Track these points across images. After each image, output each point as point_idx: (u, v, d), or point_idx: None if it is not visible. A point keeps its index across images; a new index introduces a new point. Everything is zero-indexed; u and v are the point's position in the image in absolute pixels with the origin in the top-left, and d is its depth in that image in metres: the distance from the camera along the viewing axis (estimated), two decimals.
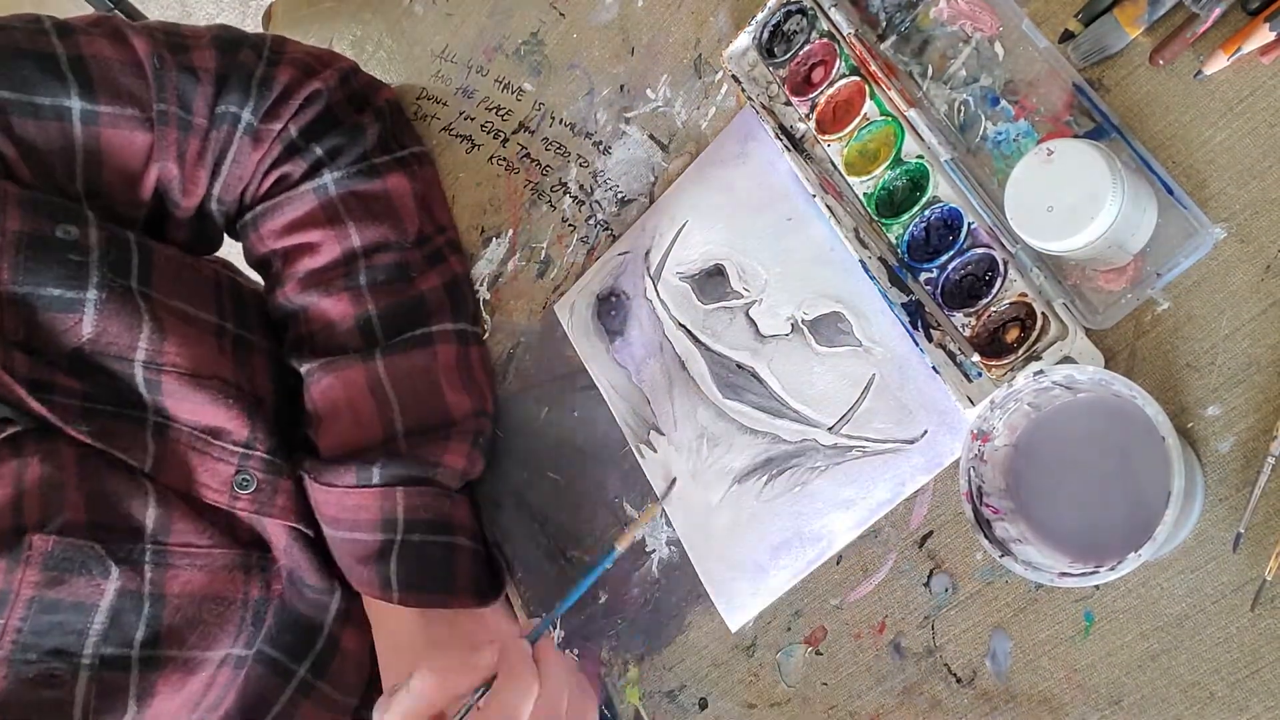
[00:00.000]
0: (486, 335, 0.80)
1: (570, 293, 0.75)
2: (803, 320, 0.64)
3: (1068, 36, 0.54)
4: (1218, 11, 0.49)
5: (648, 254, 0.71)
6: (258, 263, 0.78)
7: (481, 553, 0.75)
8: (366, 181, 0.77)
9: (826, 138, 0.61)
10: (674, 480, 0.68)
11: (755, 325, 0.65)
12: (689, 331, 0.68)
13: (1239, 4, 0.50)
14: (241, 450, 0.69)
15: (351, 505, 0.70)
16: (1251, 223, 0.50)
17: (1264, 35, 0.48)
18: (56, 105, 0.65)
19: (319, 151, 0.75)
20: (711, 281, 0.68)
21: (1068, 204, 0.47)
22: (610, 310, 0.73)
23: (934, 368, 0.56)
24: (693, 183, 0.69)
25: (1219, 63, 0.50)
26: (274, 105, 0.74)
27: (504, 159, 0.81)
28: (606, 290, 0.73)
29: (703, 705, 0.67)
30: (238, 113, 0.72)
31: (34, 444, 0.60)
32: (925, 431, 0.59)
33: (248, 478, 0.69)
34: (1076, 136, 0.53)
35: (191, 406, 0.67)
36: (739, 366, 0.66)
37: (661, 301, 0.70)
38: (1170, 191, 0.50)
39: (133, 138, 0.68)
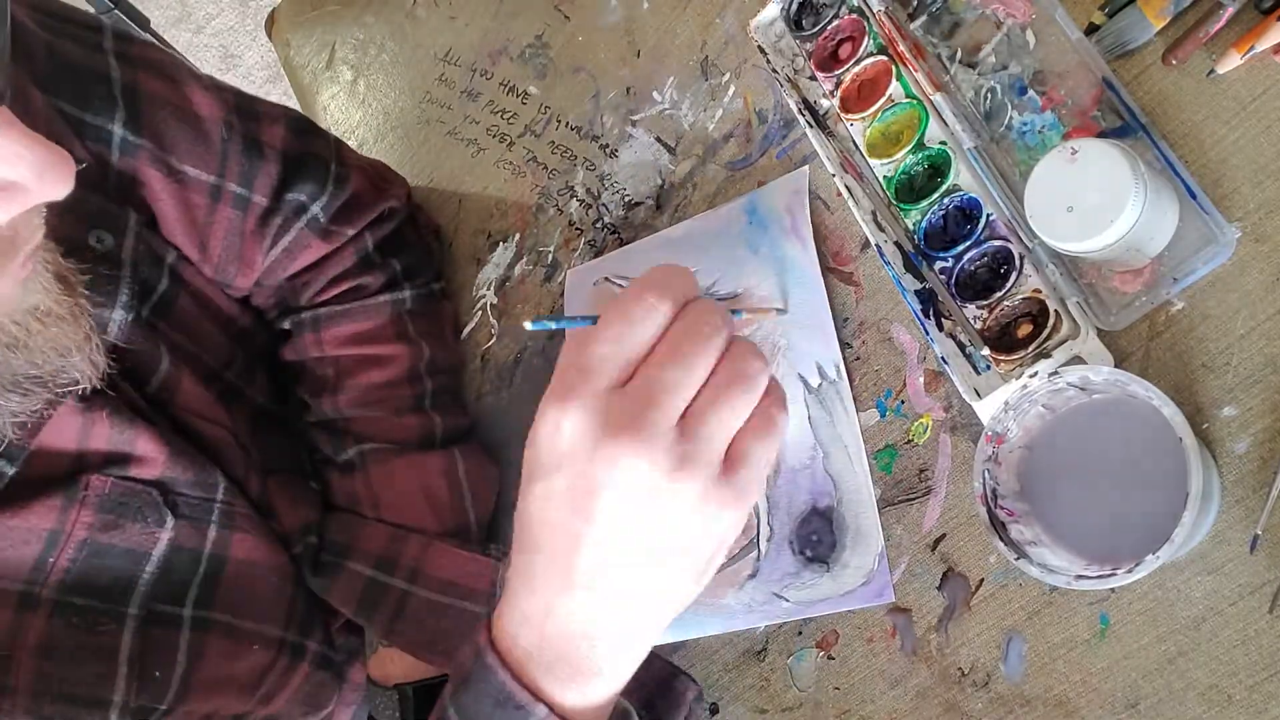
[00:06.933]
0: (494, 339, 0.80)
1: (581, 269, 0.75)
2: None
3: (1092, 29, 0.53)
4: (1233, 8, 0.49)
5: None
6: (298, 363, 0.74)
7: None
8: (434, 303, 0.78)
9: (850, 116, 0.60)
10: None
11: None
12: None
13: (1252, 3, 0.49)
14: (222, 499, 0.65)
15: (472, 572, 0.69)
16: (1266, 222, 0.50)
17: (1277, 33, 0.48)
18: (99, 126, 0.61)
19: (397, 267, 0.75)
20: None
21: (1088, 205, 0.47)
22: None
23: (942, 358, 0.56)
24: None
25: (1232, 61, 0.50)
26: (346, 208, 0.72)
27: (510, 163, 0.81)
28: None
29: (714, 710, 0.67)
30: (307, 204, 0.69)
31: (102, 400, 0.56)
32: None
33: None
34: (1102, 134, 0.52)
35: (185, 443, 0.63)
36: None
37: None
38: (1193, 196, 0.50)
39: (165, 180, 0.64)
